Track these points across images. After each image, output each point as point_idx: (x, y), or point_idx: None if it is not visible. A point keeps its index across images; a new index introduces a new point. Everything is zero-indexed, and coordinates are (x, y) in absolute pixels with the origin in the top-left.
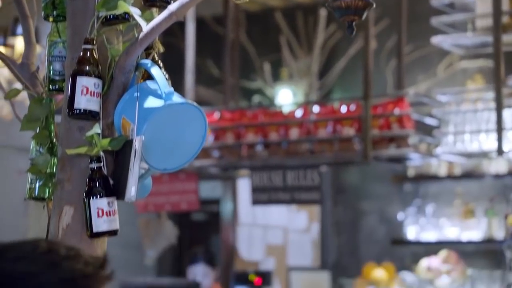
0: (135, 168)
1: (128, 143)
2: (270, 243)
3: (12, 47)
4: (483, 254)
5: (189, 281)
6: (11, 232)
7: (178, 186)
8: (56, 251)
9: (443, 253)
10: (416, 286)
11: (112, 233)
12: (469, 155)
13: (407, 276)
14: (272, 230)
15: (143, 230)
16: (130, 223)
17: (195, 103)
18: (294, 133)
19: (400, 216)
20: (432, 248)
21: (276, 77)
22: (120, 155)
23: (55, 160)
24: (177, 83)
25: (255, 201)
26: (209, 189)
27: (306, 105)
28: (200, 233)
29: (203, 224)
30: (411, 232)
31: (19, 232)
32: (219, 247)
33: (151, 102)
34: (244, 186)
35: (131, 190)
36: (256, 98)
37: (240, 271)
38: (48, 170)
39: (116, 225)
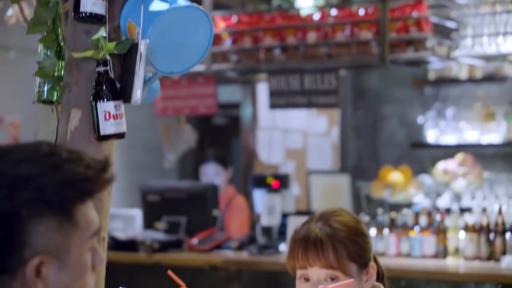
0: (141, 72)
1: (134, 47)
2: (289, 146)
3: None
4: (503, 157)
5: (207, 184)
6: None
7: (197, 90)
8: (58, 154)
9: (459, 156)
10: (432, 189)
11: (119, 136)
12: (487, 58)
13: (423, 179)
14: (292, 134)
15: (162, 134)
16: (150, 127)
17: (200, 7)
18: (311, 36)
19: (420, 119)
20: (451, 151)
21: None
22: (127, 58)
23: (62, 64)
24: None
25: (273, 105)
26: (229, 93)
27: (324, 8)
28: (221, 137)
29: (223, 128)
30: (431, 136)
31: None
32: (239, 151)
33: (156, 5)
34: (263, 90)
35: (137, 93)
36: (275, 1)
37: (257, 174)
38: (56, 73)
39: (123, 128)
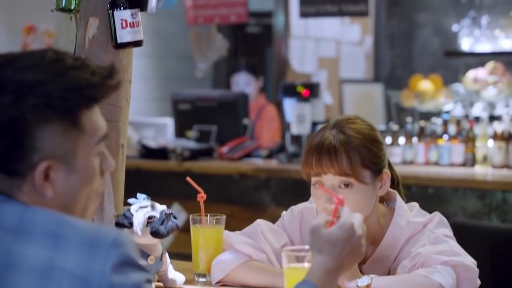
0: None
1: None
2: (322, 55)
3: None
4: None
5: (238, 93)
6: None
7: None
8: (63, 61)
9: (490, 64)
10: (464, 98)
11: (136, 43)
12: None
13: (456, 87)
14: (325, 42)
15: (193, 43)
16: (182, 36)
17: None
18: None
19: (454, 27)
20: (486, 59)
21: None
22: None
23: None
24: None
25: (303, 14)
26: (260, 1)
27: None
28: (254, 46)
29: (256, 37)
30: (465, 44)
31: None
32: (272, 60)
33: None
34: None
35: (152, 1)
36: None
37: (288, 83)
38: None
39: (140, 36)
